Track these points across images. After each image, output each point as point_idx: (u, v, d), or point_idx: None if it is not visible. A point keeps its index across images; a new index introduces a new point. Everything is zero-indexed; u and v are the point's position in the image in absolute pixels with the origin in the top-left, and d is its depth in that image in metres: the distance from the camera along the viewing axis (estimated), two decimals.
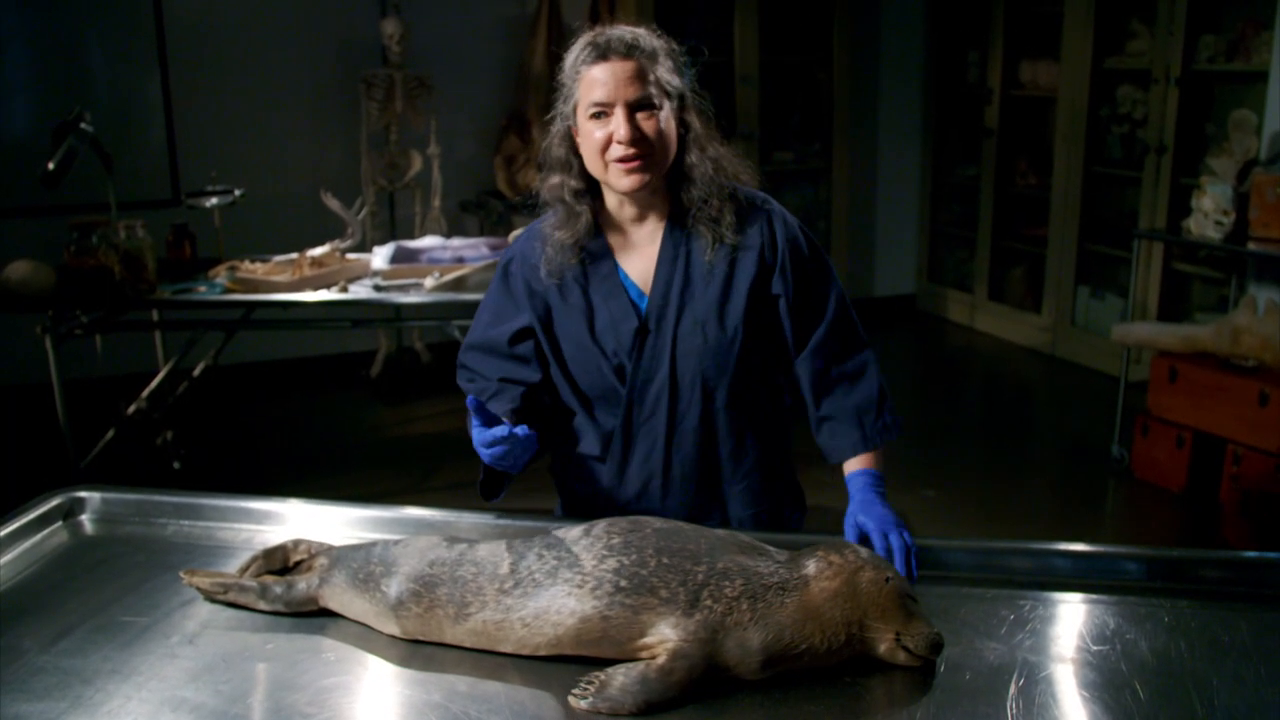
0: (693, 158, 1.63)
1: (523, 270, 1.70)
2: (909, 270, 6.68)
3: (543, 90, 5.34)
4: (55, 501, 1.75)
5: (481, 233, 5.34)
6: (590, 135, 1.59)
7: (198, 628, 1.41)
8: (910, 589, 1.30)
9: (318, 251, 3.68)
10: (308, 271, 3.58)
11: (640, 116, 1.56)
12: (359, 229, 3.74)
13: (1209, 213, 3.93)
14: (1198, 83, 4.72)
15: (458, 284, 3.44)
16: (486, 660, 1.32)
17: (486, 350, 1.72)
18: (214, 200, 3.95)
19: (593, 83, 1.56)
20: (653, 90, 1.57)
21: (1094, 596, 1.47)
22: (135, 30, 4.73)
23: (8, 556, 1.61)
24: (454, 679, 1.29)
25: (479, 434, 1.46)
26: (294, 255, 3.70)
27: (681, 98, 1.62)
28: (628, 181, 1.59)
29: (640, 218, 1.67)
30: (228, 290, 3.53)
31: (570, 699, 1.22)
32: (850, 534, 1.55)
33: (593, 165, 1.61)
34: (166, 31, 4.72)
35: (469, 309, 3.52)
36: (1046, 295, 5.62)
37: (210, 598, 1.47)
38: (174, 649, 1.35)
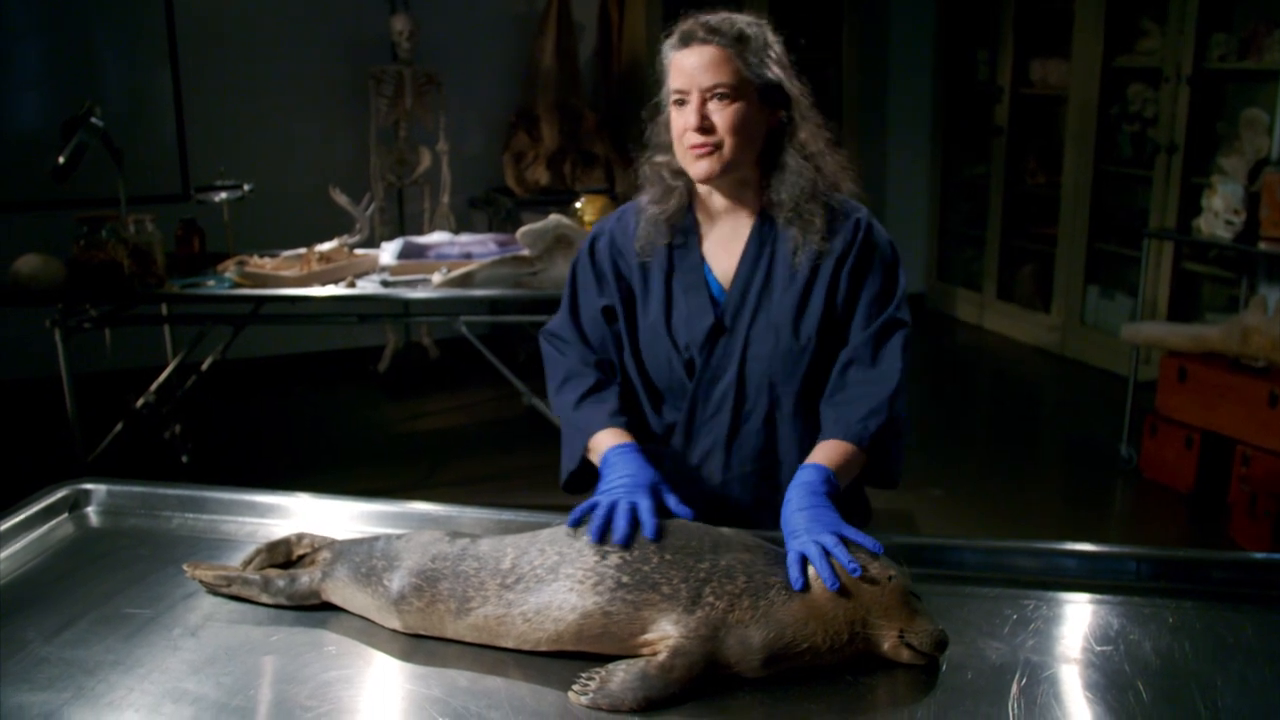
0: (788, 157, 1.59)
1: (610, 251, 1.69)
2: (917, 268, 6.65)
3: (551, 87, 5.35)
4: (61, 494, 1.75)
5: (490, 229, 5.35)
6: (673, 122, 1.58)
7: (200, 620, 1.41)
8: (913, 586, 1.30)
9: (326, 247, 3.69)
10: (316, 267, 3.58)
11: (714, 105, 1.53)
12: (367, 224, 3.74)
13: (1219, 212, 3.91)
14: (1209, 81, 4.69)
15: (465, 280, 3.44)
16: (487, 655, 1.32)
17: (588, 321, 1.71)
18: (223, 195, 3.96)
19: (675, 69, 1.55)
20: (730, 78, 1.52)
21: (1098, 597, 1.46)
22: (146, 25, 4.75)
23: (13, 548, 1.62)
24: (455, 674, 1.29)
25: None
26: (302, 250, 3.70)
27: (779, 89, 1.58)
28: (697, 168, 1.57)
29: (730, 209, 1.65)
30: (236, 285, 3.54)
31: (570, 695, 1.22)
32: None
33: (677, 152, 1.60)
34: (177, 26, 4.74)
35: (477, 305, 3.53)
36: (1056, 294, 5.60)
37: (213, 591, 1.47)
38: (176, 641, 1.36)
